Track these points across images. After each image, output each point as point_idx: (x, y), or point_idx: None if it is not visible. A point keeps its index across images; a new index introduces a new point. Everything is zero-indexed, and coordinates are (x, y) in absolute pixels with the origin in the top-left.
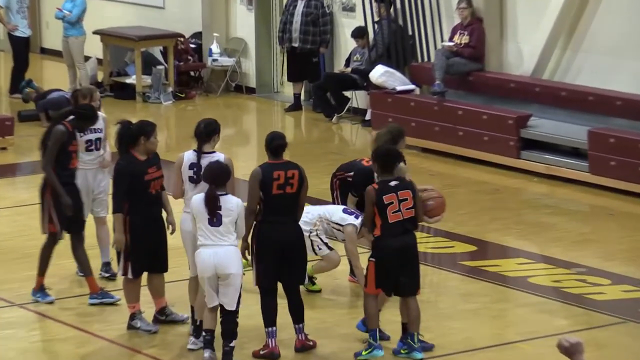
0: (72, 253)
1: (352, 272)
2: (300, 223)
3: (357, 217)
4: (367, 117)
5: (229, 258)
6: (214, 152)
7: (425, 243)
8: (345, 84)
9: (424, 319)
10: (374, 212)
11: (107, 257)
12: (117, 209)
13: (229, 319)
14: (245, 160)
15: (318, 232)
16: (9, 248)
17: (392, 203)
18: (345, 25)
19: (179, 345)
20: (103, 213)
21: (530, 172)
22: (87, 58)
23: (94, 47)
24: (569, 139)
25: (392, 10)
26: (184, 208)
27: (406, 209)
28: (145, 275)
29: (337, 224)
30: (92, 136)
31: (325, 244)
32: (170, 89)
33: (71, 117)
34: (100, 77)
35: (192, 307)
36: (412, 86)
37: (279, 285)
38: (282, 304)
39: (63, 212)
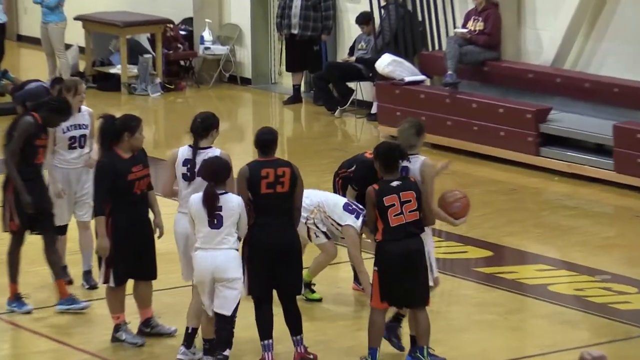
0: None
1: (355, 280)
2: None
3: (357, 217)
4: (373, 110)
5: (229, 262)
6: (210, 147)
7: (436, 248)
8: (349, 74)
9: (435, 331)
10: (375, 215)
11: (89, 265)
12: (99, 212)
13: (224, 325)
14: (240, 157)
15: (315, 220)
16: None
17: (393, 205)
18: (349, 11)
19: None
20: (86, 217)
21: (550, 171)
22: (67, 46)
23: (76, 34)
24: (592, 135)
25: None
26: (179, 208)
27: (409, 212)
28: (131, 282)
29: (335, 221)
30: (76, 133)
31: (324, 232)
32: (158, 80)
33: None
34: (82, 66)
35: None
36: (422, 77)
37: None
38: (280, 313)
39: (24, 210)
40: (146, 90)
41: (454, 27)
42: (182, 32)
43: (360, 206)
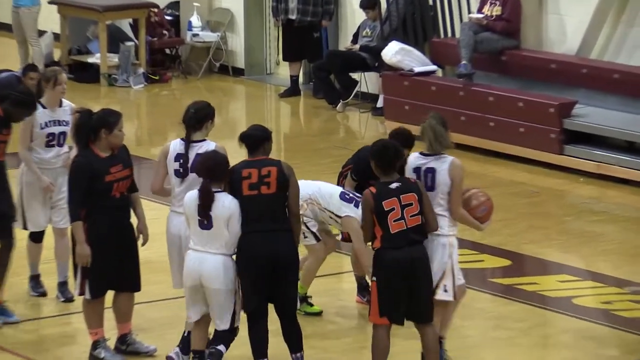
0: None
1: (359, 292)
2: None
3: (357, 206)
4: (379, 104)
5: (217, 269)
6: (204, 140)
7: None
8: (353, 64)
9: (449, 348)
10: (373, 221)
11: (64, 276)
12: (75, 217)
13: (220, 335)
14: (231, 156)
15: (305, 217)
16: None
17: (393, 209)
18: None
19: None
20: (63, 224)
21: (575, 171)
22: (41, 33)
23: (50, 20)
24: (622, 131)
25: None
26: (171, 207)
27: (410, 216)
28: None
29: (333, 213)
30: (55, 129)
31: (313, 233)
32: (141, 70)
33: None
34: (57, 55)
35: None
36: (433, 67)
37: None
38: (278, 329)
39: None
40: (128, 81)
41: (469, 12)
42: (168, 17)
43: (359, 194)
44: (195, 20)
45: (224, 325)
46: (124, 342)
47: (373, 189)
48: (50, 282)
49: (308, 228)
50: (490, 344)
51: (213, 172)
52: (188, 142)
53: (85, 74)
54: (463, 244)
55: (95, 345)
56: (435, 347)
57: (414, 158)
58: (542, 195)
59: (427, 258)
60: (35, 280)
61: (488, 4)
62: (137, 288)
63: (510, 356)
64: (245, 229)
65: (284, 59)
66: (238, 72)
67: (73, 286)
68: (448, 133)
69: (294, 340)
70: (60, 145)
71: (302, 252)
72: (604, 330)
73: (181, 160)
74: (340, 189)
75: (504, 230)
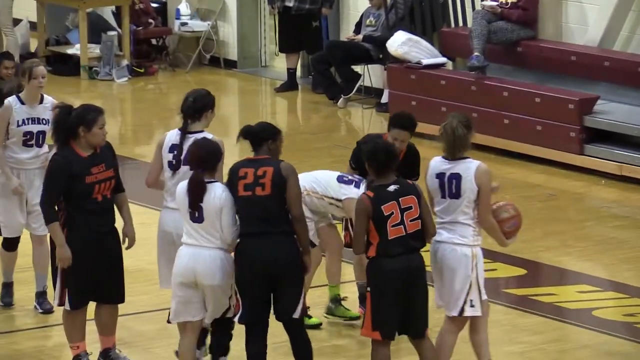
0: None
1: (362, 303)
2: None
3: (357, 186)
4: (384, 99)
5: (213, 265)
6: (202, 131)
7: None
8: (355, 55)
9: None
10: (368, 229)
11: (43, 286)
12: (51, 218)
13: (223, 330)
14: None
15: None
16: None
17: (392, 214)
18: None
19: None
20: (41, 230)
21: (596, 173)
22: (16, 21)
23: (26, 7)
24: None
25: None
26: (164, 202)
27: (410, 221)
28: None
29: (333, 199)
30: (32, 127)
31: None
32: (125, 62)
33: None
34: (33, 45)
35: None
36: (442, 59)
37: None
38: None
39: None
40: (110, 74)
41: (482, 0)
42: (154, 5)
43: (357, 176)
44: (183, 8)
45: (212, 318)
46: (107, 357)
47: (370, 193)
48: (27, 292)
49: None
50: (505, 358)
51: (205, 161)
52: (184, 132)
53: (64, 66)
54: None
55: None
56: (437, 359)
57: (437, 162)
58: (560, 198)
59: (425, 267)
60: (6, 288)
61: None
62: (121, 299)
63: None
64: (241, 231)
65: (281, 51)
66: (230, 64)
67: (52, 296)
68: (471, 135)
69: (299, 354)
70: (39, 145)
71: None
72: (626, 345)
73: (175, 152)
74: (337, 173)
75: (518, 236)
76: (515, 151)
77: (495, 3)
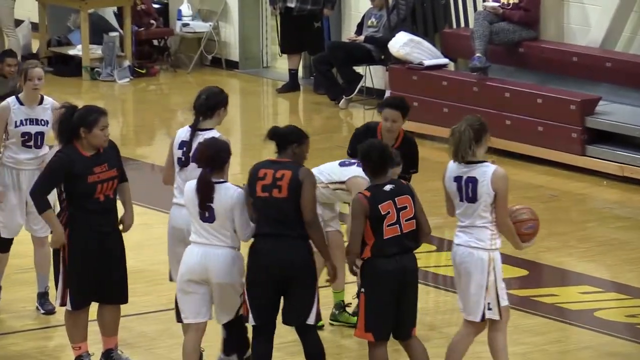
0: None
1: None
2: None
3: (358, 166)
4: None
5: (225, 264)
6: (211, 129)
7: None
8: (357, 56)
9: None
10: (364, 228)
11: (45, 287)
12: (43, 207)
13: (237, 331)
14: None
15: None
16: None
17: (389, 213)
18: None
19: None
20: (42, 232)
21: (598, 174)
22: (18, 22)
23: (28, 8)
24: None
25: None
26: (173, 199)
27: (406, 220)
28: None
29: (338, 183)
30: (31, 129)
31: None
32: (126, 63)
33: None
34: (35, 46)
35: None
36: (444, 60)
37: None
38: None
39: None
40: (112, 75)
41: (484, 1)
42: (156, 6)
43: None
44: (185, 8)
45: (230, 316)
46: (109, 358)
47: (367, 192)
48: (29, 293)
49: None
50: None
51: (213, 160)
52: (194, 129)
53: (66, 67)
54: None
55: None
56: (427, 358)
57: (455, 165)
58: (562, 199)
59: (417, 269)
60: None
61: None
62: (123, 300)
63: None
64: (258, 231)
65: (282, 51)
66: (232, 65)
67: (55, 297)
68: (485, 140)
69: (311, 358)
70: (38, 146)
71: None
72: (628, 346)
73: (184, 149)
74: (339, 160)
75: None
76: (517, 152)
77: (497, 4)
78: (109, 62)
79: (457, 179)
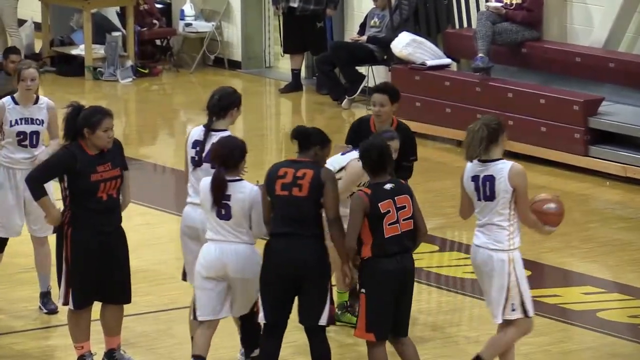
0: None
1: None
2: None
3: (357, 150)
4: None
5: (245, 259)
6: (225, 130)
7: (463, 267)
8: (359, 56)
9: None
10: (361, 225)
11: (47, 286)
12: (38, 194)
13: (250, 326)
14: None
15: None
16: None
17: (389, 212)
18: None
19: None
20: (41, 232)
21: (601, 174)
22: (21, 22)
23: (31, 8)
24: None
25: None
26: (187, 198)
27: (404, 220)
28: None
29: (341, 171)
30: (26, 128)
31: None
32: (129, 63)
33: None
34: (38, 46)
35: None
36: (446, 60)
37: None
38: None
39: None
40: (115, 75)
41: (486, 1)
42: (159, 6)
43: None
44: (188, 8)
45: (243, 312)
46: (111, 358)
47: (367, 190)
48: (31, 293)
49: None
50: None
51: (227, 158)
52: (208, 130)
53: (69, 66)
54: None
55: None
56: (418, 357)
57: (472, 165)
58: (565, 199)
59: (414, 269)
60: None
61: None
62: (126, 300)
63: None
64: (274, 230)
65: (285, 51)
66: (234, 65)
67: (57, 296)
68: (502, 139)
69: None
70: (34, 145)
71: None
72: (630, 347)
73: (197, 148)
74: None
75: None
76: (520, 152)
77: (499, 4)
78: (112, 62)
79: (475, 178)
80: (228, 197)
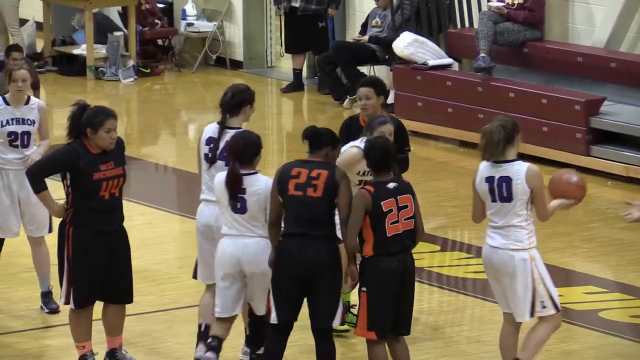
0: None
1: None
2: None
3: (361, 141)
4: (389, 100)
5: (260, 253)
6: (239, 128)
7: (464, 266)
8: (361, 56)
9: None
10: (362, 223)
11: (47, 286)
12: (38, 188)
13: (260, 324)
14: None
15: None
16: None
17: (391, 211)
18: None
19: None
20: (37, 232)
21: (602, 174)
22: (23, 21)
23: (32, 7)
24: None
25: None
26: (201, 195)
27: (405, 219)
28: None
29: None
30: (17, 128)
31: None
32: (131, 63)
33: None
34: (39, 46)
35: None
36: (448, 60)
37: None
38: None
39: None
40: (117, 74)
41: (488, 1)
42: (160, 5)
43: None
44: (189, 8)
45: (261, 311)
46: (113, 358)
47: (370, 188)
48: (32, 292)
49: None
50: None
51: (241, 153)
52: (222, 127)
53: (71, 66)
54: (480, 252)
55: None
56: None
57: (486, 166)
58: None
59: (415, 268)
60: None
61: None
62: (128, 300)
63: None
64: (286, 231)
65: (287, 51)
66: (236, 65)
67: (59, 295)
68: (517, 140)
69: None
70: (25, 146)
71: None
72: (632, 347)
73: (211, 145)
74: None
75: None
76: (521, 152)
77: (501, 4)
78: (114, 62)
79: (489, 179)
80: (243, 191)
